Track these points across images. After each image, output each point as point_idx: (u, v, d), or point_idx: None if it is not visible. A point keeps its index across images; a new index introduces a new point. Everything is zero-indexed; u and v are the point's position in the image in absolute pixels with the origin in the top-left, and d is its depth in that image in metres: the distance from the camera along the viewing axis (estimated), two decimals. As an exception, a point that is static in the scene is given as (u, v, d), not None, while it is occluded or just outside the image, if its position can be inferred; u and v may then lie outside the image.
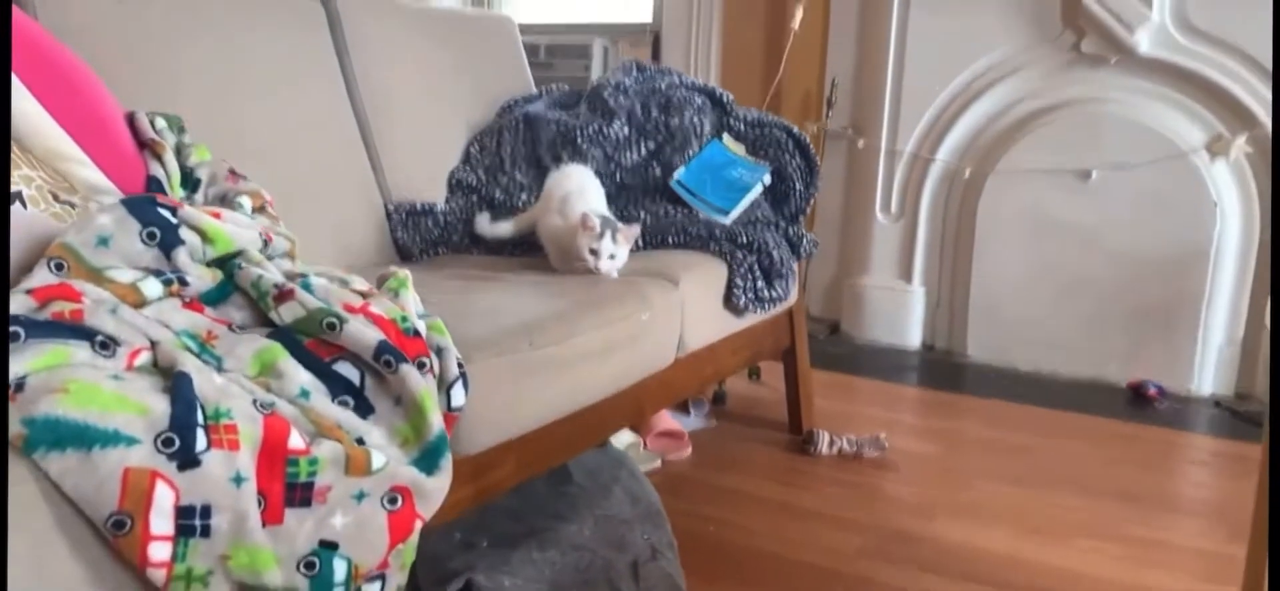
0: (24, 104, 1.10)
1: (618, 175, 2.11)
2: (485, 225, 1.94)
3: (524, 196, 2.05)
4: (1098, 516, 1.94)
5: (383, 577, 0.93)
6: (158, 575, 0.79)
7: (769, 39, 3.46)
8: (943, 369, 3.04)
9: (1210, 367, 2.88)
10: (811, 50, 3.33)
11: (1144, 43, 2.85)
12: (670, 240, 1.93)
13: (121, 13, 1.50)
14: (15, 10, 1.14)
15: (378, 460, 0.91)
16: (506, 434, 1.27)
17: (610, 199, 1.97)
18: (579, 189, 1.77)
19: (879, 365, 3.01)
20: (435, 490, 0.96)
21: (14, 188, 0.99)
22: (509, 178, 2.08)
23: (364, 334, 0.96)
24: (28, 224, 0.97)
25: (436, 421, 0.97)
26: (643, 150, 2.13)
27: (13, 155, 1.04)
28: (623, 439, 2.04)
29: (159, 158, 1.23)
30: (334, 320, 0.96)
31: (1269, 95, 2.74)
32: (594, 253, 1.63)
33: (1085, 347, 2.97)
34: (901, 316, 3.26)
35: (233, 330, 0.97)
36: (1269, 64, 2.73)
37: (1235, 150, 2.80)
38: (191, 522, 0.81)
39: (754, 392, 2.61)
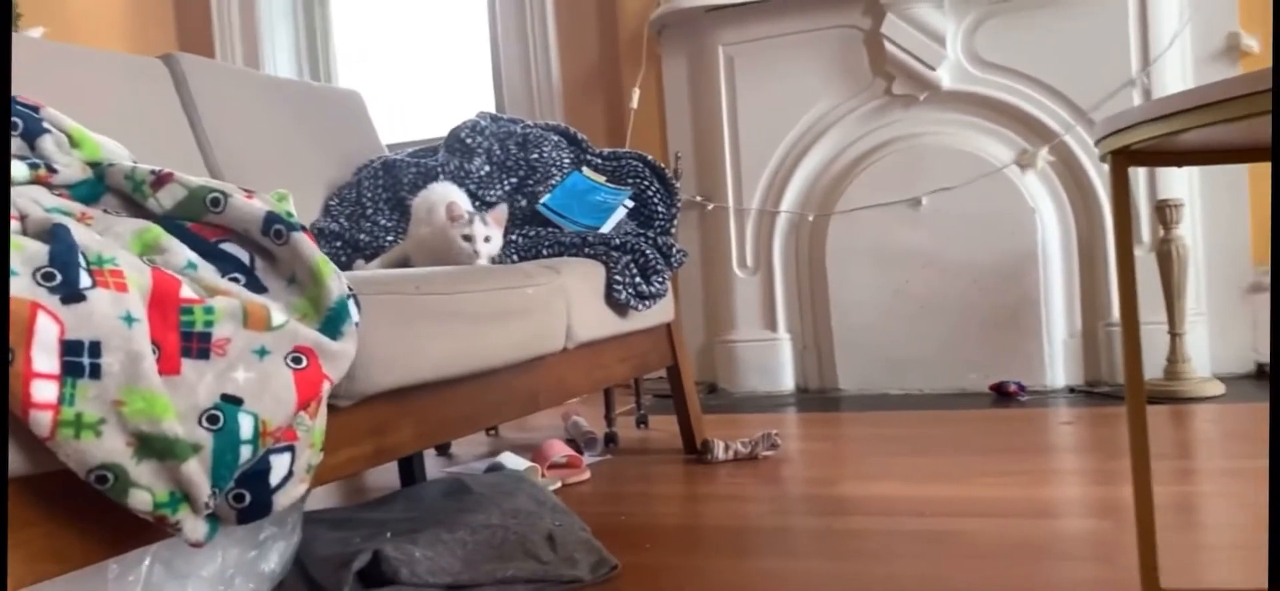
0: None
1: (482, 210, 2.12)
2: (360, 268, 1.90)
3: (390, 238, 2.02)
4: (988, 464, 2.01)
5: (292, 449, 0.86)
6: (42, 419, 0.71)
7: (610, 122, 3.61)
8: (819, 402, 3.11)
9: (1059, 361, 3.07)
10: (651, 127, 3.49)
11: (945, 79, 3.15)
12: (544, 252, 1.94)
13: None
14: None
15: (278, 317, 0.86)
16: (403, 378, 1.22)
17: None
18: (442, 198, 1.77)
19: (761, 407, 3.05)
20: (340, 353, 0.91)
21: None
22: (372, 222, 2.05)
23: (250, 207, 0.92)
24: None
25: (336, 287, 0.93)
26: (505, 186, 2.16)
27: None
28: (518, 464, 1.98)
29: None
30: (218, 195, 0.92)
31: (1060, 111, 3.06)
32: (468, 238, 1.61)
33: (946, 362, 3.12)
34: (773, 364, 3.34)
35: (108, 214, 0.91)
36: (1053, 83, 3.06)
37: (1041, 161, 3.09)
38: (79, 360, 0.73)
39: (643, 436, 2.59)
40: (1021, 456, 2.08)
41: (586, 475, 2.08)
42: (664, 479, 2.07)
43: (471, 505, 1.57)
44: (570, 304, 1.70)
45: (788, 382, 3.33)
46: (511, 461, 1.98)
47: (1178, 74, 2.98)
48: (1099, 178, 3.03)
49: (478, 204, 2.11)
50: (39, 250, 0.74)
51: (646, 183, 2.22)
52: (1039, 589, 1.28)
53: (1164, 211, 2.77)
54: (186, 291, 0.81)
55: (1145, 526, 1.11)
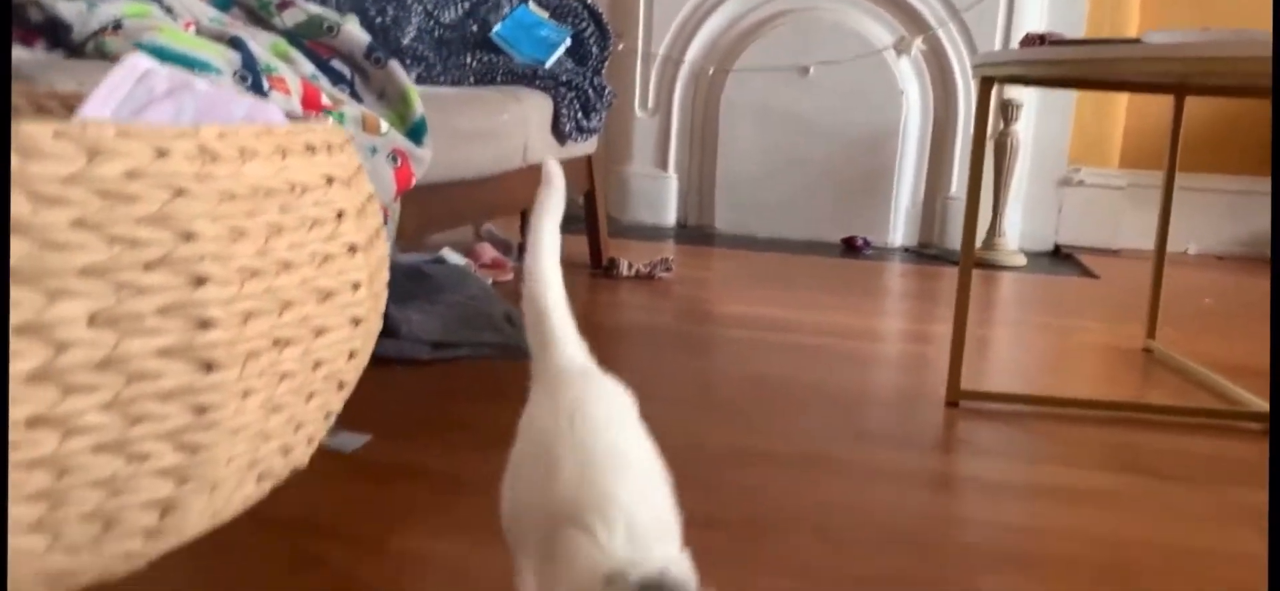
0: None
1: (437, 31, 2.35)
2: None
3: (357, 45, 2.23)
4: (837, 299, 2.49)
5: (385, 223, 1.18)
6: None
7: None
8: (697, 237, 3.54)
9: (901, 224, 3.60)
10: (572, -38, 3.69)
11: (843, -39, 3.49)
12: (499, 79, 2.21)
13: None
14: None
15: (384, 125, 1.16)
16: (421, 179, 1.52)
17: (432, 50, 2.21)
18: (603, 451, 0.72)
19: (645, 236, 3.45)
20: (422, 156, 1.21)
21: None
22: (340, 28, 2.25)
23: (357, 34, 1.19)
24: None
25: (419, 107, 1.22)
26: (460, 9, 2.39)
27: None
28: (458, 260, 2.30)
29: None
30: (333, 23, 1.18)
31: (938, 5, 3.48)
32: None
33: (807, 214, 3.59)
34: (659, 199, 3.73)
35: (246, 25, 1.16)
36: (934, -20, 3.46)
37: (914, 49, 3.52)
38: (265, 142, 1.02)
39: (550, 249, 2.94)
40: (863, 296, 2.57)
41: (511, 275, 2.43)
42: (576, 287, 2.45)
43: (435, 286, 1.90)
44: (527, 130, 2.00)
45: (671, 217, 3.74)
46: (452, 256, 2.30)
47: (1035, -10, 3.44)
48: (960, 71, 3.49)
49: (432, 21, 2.34)
50: (234, 56, 1.01)
51: (584, 24, 2.49)
52: (868, 387, 1.74)
53: (1007, 109, 3.27)
54: (324, 98, 1.09)
55: (957, 346, 1.58)
